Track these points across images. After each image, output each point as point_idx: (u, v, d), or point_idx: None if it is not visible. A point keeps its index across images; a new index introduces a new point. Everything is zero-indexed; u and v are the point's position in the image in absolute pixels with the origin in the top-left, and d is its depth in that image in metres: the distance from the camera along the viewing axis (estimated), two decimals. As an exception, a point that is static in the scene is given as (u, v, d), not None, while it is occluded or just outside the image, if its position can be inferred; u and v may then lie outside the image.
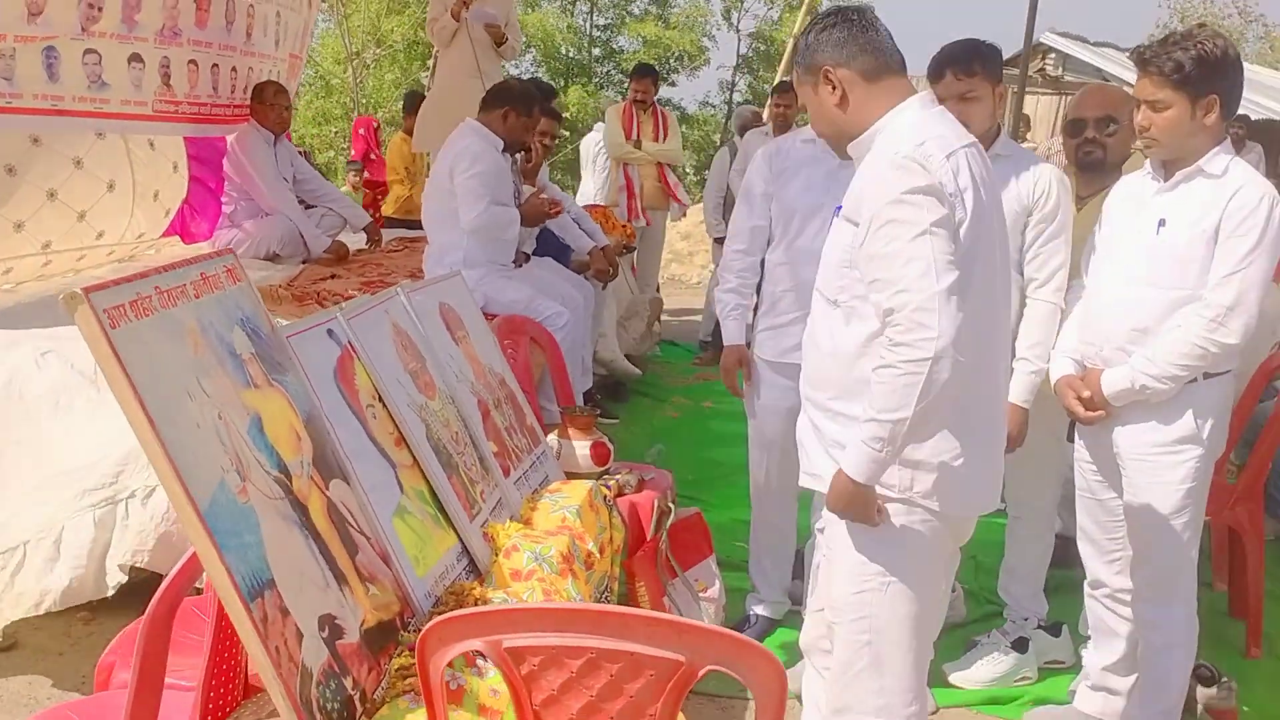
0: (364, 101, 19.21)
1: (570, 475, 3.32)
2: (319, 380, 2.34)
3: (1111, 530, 3.05)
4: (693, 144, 22.58)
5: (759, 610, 3.81)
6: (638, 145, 7.78)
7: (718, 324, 7.98)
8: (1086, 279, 3.04)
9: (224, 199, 6.06)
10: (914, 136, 2.18)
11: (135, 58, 5.05)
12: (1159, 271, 2.80)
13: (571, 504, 2.95)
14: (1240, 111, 4.78)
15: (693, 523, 3.54)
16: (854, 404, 2.22)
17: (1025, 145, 6.01)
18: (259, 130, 5.90)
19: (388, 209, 8.76)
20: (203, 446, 1.81)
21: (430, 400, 2.77)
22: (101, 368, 1.70)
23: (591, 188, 8.95)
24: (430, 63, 17.26)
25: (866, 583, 2.31)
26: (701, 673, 1.65)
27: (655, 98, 8.06)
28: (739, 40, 25.71)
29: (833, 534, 2.37)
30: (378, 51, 19.89)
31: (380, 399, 2.56)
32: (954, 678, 3.51)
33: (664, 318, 8.51)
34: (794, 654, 2.82)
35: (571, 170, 18.29)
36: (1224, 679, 3.32)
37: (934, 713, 3.34)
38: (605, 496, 3.15)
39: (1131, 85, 2.96)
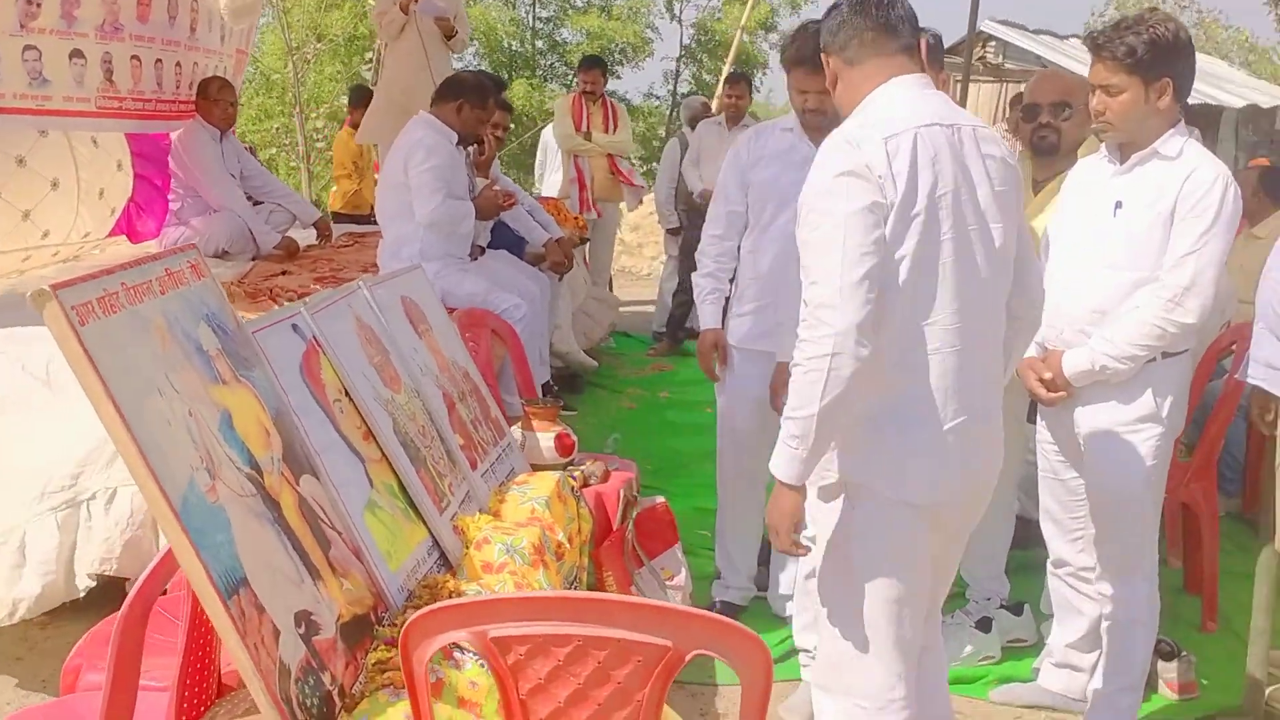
0: (305, 96, 18.92)
1: (535, 467, 3.31)
2: (286, 375, 2.32)
3: (1074, 509, 3.09)
4: (638, 136, 22.54)
5: (725, 597, 3.82)
6: (588, 137, 7.75)
7: (670, 315, 8.11)
8: (1046, 262, 3.07)
9: (171, 196, 5.95)
10: (869, 118, 2.19)
11: (76, 53, 4.94)
12: (1117, 253, 2.84)
13: (540, 495, 2.94)
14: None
15: (658, 512, 3.56)
16: None
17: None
18: (205, 126, 5.80)
19: (335, 204, 8.64)
20: (173, 444, 1.79)
21: (396, 394, 2.75)
22: (71, 365, 1.67)
23: (561, 180, 8.81)
24: (370, 55, 17.04)
25: (839, 568, 2.33)
26: (689, 657, 1.65)
27: (604, 89, 8.03)
28: (681, 31, 25.69)
29: (815, 520, 2.38)
30: (318, 46, 19.60)
31: (347, 393, 2.54)
32: (919, 659, 3.54)
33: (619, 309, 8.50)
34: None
35: (519, 164, 18.15)
36: (1184, 653, 3.38)
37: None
38: (573, 487, 3.16)
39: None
